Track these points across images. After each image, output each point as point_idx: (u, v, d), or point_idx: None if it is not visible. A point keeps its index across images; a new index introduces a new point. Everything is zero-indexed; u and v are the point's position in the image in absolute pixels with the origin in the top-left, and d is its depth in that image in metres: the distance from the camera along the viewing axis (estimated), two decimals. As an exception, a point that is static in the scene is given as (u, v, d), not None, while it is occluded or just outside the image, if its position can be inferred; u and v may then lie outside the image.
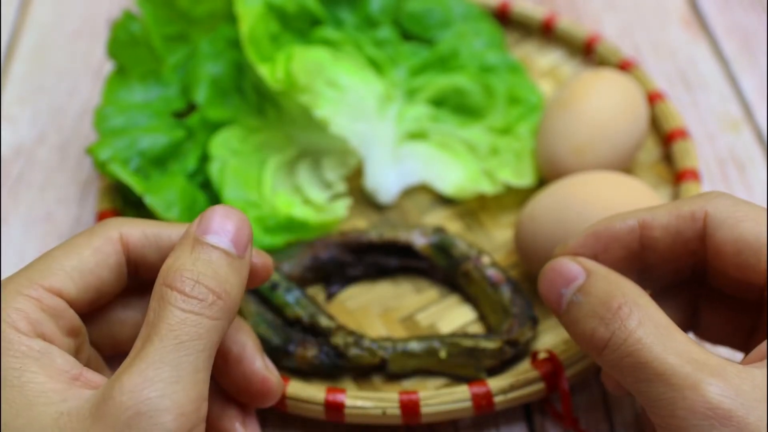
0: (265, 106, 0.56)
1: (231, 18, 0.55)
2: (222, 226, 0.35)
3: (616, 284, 0.36)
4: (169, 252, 0.36)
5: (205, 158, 0.53)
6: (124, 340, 0.39)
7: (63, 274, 0.35)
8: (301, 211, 0.52)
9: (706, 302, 0.41)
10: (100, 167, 0.50)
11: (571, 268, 0.37)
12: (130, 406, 0.31)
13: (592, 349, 0.36)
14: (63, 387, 0.32)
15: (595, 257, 0.39)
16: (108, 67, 0.58)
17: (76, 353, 0.36)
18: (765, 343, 0.35)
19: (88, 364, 0.37)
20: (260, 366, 0.40)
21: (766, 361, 0.34)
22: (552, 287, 0.38)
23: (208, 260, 0.35)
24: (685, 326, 0.42)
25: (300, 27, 0.57)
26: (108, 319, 0.39)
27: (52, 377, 0.32)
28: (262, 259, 0.39)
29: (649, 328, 0.34)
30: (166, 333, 0.32)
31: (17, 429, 0.31)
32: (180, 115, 0.54)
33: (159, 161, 0.52)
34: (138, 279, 0.39)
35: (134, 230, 0.38)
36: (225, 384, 0.40)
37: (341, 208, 0.53)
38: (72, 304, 0.35)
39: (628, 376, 0.34)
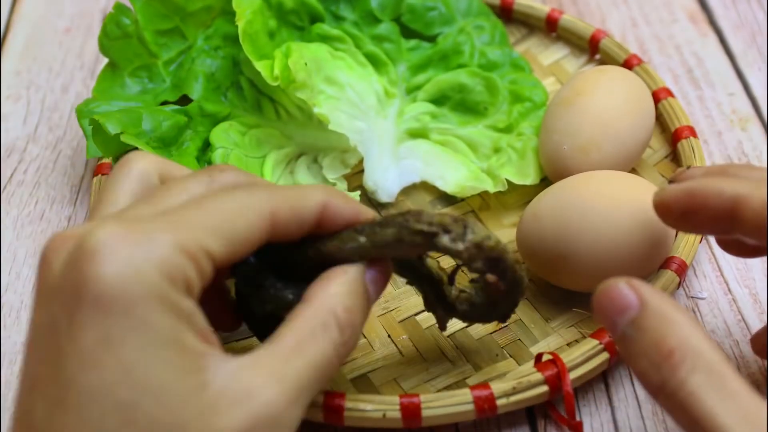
0: (263, 103, 0.55)
1: (227, 13, 0.55)
2: (380, 278, 0.39)
3: (670, 322, 0.34)
4: (307, 223, 0.37)
5: (204, 148, 0.53)
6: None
7: (218, 239, 0.34)
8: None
9: None
10: (107, 148, 0.49)
11: (625, 296, 0.35)
12: (272, 417, 0.33)
13: (646, 390, 0.35)
14: (202, 355, 0.33)
15: (685, 216, 0.39)
16: (103, 63, 0.58)
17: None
18: None
19: None
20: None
21: None
22: (605, 314, 0.36)
23: (363, 310, 0.38)
24: None
25: (298, 23, 0.57)
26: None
27: (198, 342, 0.33)
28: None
29: (702, 378, 0.33)
30: (317, 363, 0.35)
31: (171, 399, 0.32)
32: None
33: (164, 142, 0.51)
34: None
35: (283, 206, 0.36)
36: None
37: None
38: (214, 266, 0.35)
39: (684, 426, 0.33)
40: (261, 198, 0.36)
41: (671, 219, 0.41)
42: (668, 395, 0.33)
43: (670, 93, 0.56)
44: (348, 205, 0.39)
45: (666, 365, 0.33)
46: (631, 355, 0.35)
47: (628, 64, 0.58)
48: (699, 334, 0.34)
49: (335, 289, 0.37)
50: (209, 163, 0.52)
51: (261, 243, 0.36)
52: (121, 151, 0.49)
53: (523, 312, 0.49)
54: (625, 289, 0.36)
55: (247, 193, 0.36)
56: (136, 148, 0.49)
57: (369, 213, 0.39)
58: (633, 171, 0.54)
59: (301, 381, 0.34)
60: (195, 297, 0.34)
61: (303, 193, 0.38)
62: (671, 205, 0.40)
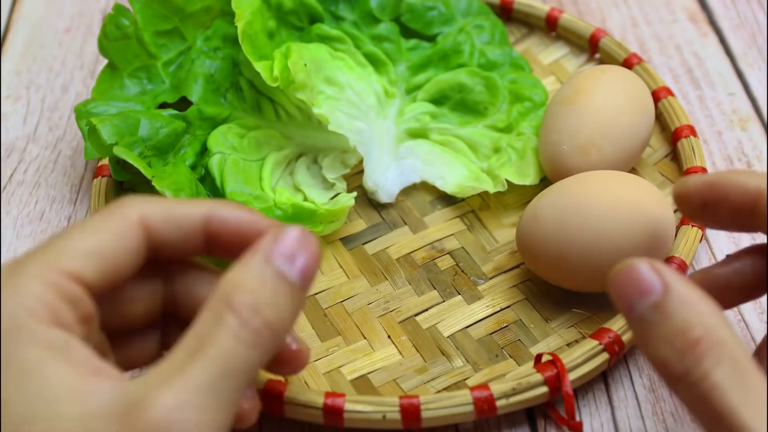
0: (262, 104, 0.55)
1: (226, 14, 0.55)
2: (297, 252, 0.34)
3: (697, 311, 0.33)
4: (190, 232, 0.35)
5: (203, 153, 0.52)
6: (133, 318, 0.38)
7: (82, 258, 0.33)
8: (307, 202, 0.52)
9: None
10: (103, 150, 0.49)
11: (648, 278, 0.34)
12: (162, 425, 0.30)
13: (663, 377, 0.34)
14: (86, 382, 0.31)
15: (705, 208, 0.38)
16: (103, 63, 0.57)
17: (86, 340, 0.34)
18: None
19: (95, 348, 0.35)
20: (290, 338, 0.38)
21: None
22: (623, 295, 0.35)
23: (273, 289, 0.33)
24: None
25: (297, 24, 0.57)
26: (118, 297, 0.37)
27: (75, 371, 0.31)
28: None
29: (727, 372, 0.32)
30: (214, 359, 0.31)
31: (40, 425, 0.30)
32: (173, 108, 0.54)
33: (160, 150, 0.51)
34: (152, 255, 0.37)
35: (154, 211, 0.35)
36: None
37: (349, 197, 0.52)
38: (89, 289, 0.33)
39: (701, 418, 0.33)
40: (127, 205, 0.35)
41: (691, 210, 0.39)
42: (689, 386, 0.32)
43: (669, 92, 0.56)
44: (239, 214, 0.36)
45: (691, 355, 0.32)
46: (650, 341, 0.34)
47: (627, 64, 0.58)
48: (725, 325, 0.33)
49: (230, 274, 0.33)
50: (206, 168, 0.51)
51: (139, 252, 0.35)
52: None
53: (523, 312, 0.49)
54: (647, 271, 0.34)
55: (115, 204, 0.35)
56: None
57: (266, 222, 0.36)
58: (633, 170, 0.53)
59: (198, 384, 0.31)
60: (72, 324, 0.32)
61: (183, 201, 0.36)
62: (692, 196, 0.39)
